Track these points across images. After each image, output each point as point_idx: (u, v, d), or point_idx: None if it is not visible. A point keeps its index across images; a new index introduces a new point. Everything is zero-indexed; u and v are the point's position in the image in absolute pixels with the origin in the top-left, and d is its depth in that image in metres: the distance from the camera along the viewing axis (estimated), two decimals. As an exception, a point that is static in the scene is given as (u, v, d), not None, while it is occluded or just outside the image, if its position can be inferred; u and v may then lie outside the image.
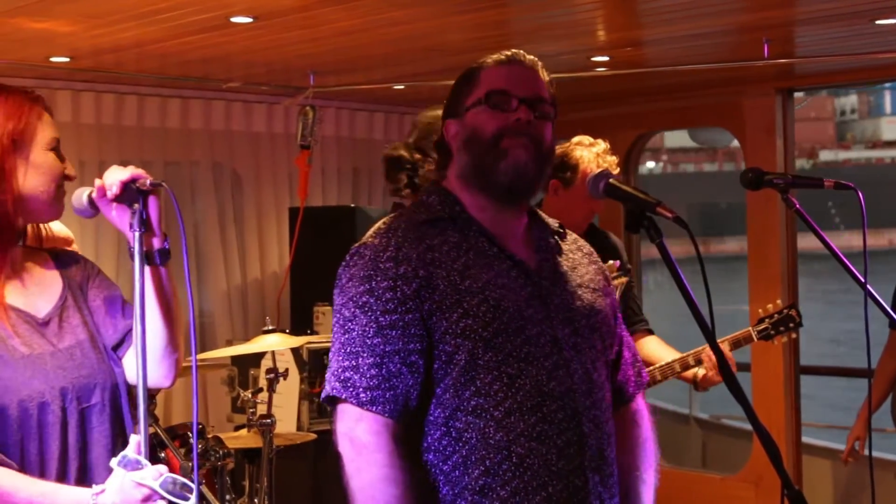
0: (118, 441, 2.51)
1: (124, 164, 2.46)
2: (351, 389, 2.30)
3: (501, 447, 2.32)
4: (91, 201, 2.43)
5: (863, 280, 2.88)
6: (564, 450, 2.36)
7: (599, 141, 4.27)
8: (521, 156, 2.44)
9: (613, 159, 4.23)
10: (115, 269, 5.69)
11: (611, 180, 2.45)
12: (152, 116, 5.98)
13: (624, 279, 4.19)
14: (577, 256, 2.61)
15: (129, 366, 2.54)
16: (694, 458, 8.50)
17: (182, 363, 2.61)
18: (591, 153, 4.22)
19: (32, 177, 2.48)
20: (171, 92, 6.00)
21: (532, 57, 2.55)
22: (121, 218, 2.42)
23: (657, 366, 4.23)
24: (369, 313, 2.33)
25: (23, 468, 2.35)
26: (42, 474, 2.37)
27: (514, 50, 2.54)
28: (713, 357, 4.08)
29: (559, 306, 2.45)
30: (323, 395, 2.38)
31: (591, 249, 2.70)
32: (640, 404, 2.69)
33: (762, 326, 4.27)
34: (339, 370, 2.33)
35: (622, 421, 2.60)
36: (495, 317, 2.34)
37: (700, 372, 4.20)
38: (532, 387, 2.35)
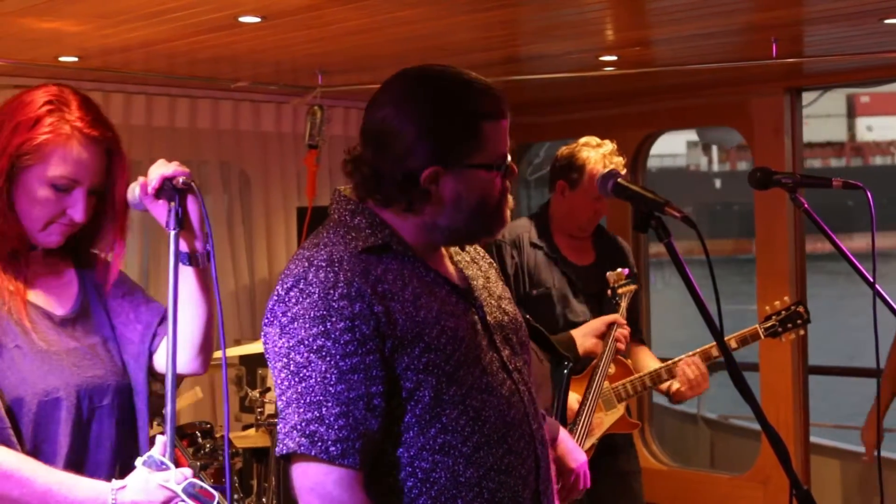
0: (125, 444, 2.51)
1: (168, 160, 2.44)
2: (319, 444, 2.12)
3: (472, 484, 2.22)
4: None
5: (871, 280, 2.88)
6: (527, 478, 2.32)
7: (606, 142, 4.27)
8: (509, 217, 2.41)
9: (620, 160, 4.23)
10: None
11: (619, 180, 2.45)
12: (161, 116, 5.98)
13: (633, 287, 4.19)
14: (482, 263, 2.54)
15: (163, 355, 2.53)
16: (702, 458, 8.50)
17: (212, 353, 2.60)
18: (598, 154, 4.22)
19: (24, 202, 2.40)
20: (180, 91, 6.01)
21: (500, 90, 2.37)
22: (164, 215, 2.39)
23: (628, 379, 4.23)
24: (328, 358, 2.14)
25: None
26: None
27: (489, 83, 2.34)
28: (686, 372, 4.14)
29: (495, 327, 2.37)
30: (282, 450, 2.17)
31: (485, 252, 2.61)
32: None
33: (769, 323, 4.27)
34: (302, 423, 2.14)
35: None
36: (456, 348, 2.23)
37: (675, 385, 4.21)
38: (496, 418, 2.26)
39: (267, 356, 2.25)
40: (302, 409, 2.15)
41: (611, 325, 4.07)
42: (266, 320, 2.24)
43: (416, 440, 2.21)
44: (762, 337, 4.26)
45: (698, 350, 4.21)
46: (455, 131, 2.27)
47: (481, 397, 2.25)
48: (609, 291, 4.16)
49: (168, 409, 2.25)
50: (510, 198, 2.40)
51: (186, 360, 2.52)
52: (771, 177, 3.06)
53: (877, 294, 2.90)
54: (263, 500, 4.67)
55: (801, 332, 4.34)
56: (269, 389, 4.82)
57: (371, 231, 2.28)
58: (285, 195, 6.60)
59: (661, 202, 2.31)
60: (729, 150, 53.88)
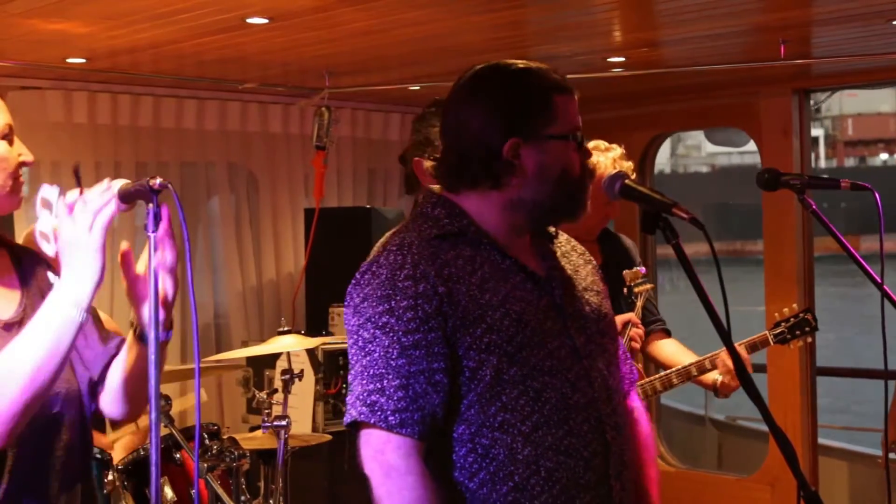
0: (79, 451, 2.43)
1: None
2: (379, 413, 2.25)
3: (530, 462, 2.29)
4: (120, 195, 2.27)
5: (879, 280, 2.87)
6: (591, 461, 2.36)
7: (615, 146, 4.25)
8: (588, 204, 2.48)
9: (630, 164, 4.21)
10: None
11: (626, 181, 2.44)
12: (168, 117, 5.99)
13: (649, 286, 4.18)
14: (574, 258, 2.60)
15: (106, 400, 2.45)
16: (710, 459, 8.49)
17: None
18: (607, 158, 4.21)
19: None
20: (187, 93, 6.01)
21: None
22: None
23: (674, 370, 4.22)
24: (391, 334, 2.27)
25: None
26: None
27: (557, 72, 2.45)
28: (727, 362, 4.08)
29: (572, 315, 2.43)
30: (347, 419, 2.31)
31: (584, 249, 2.68)
32: (636, 401, 2.70)
33: (778, 330, 4.26)
34: (364, 394, 2.27)
35: None
36: (518, 330, 2.31)
37: (720, 378, 4.18)
38: (558, 400, 2.33)
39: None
40: (365, 381, 2.29)
41: (626, 325, 4.05)
42: (345, 302, 2.39)
43: (476, 417, 2.30)
44: (771, 343, 4.26)
45: (743, 341, 4.18)
46: (529, 103, 2.38)
47: (543, 379, 2.32)
48: (625, 290, 4.15)
49: (152, 416, 2.19)
50: (589, 185, 2.47)
51: (109, 400, 2.38)
52: (779, 178, 3.05)
53: (885, 295, 2.89)
54: (271, 501, 4.67)
55: (809, 340, 4.33)
56: (276, 391, 4.82)
57: (449, 220, 2.40)
58: (293, 196, 6.60)
59: (669, 203, 2.31)
60: (836, 144, 52.38)
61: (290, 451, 4.65)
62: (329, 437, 5.09)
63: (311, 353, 5.51)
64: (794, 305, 4.34)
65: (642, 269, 4.20)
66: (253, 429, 5.41)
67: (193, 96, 6.05)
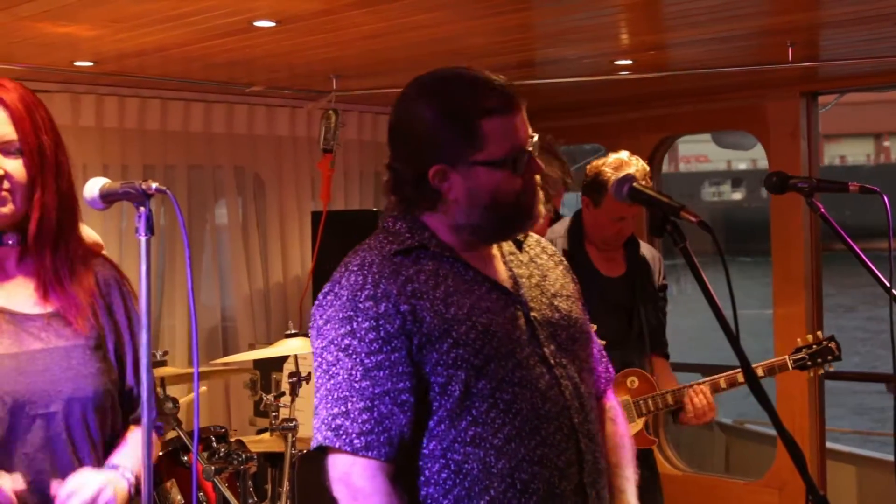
0: (78, 455, 2.43)
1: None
2: (344, 437, 2.24)
3: (505, 475, 2.27)
4: (102, 194, 2.34)
5: (888, 284, 2.86)
6: (565, 470, 2.34)
7: (634, 162, 4.18)
8: (541, 211, 2.44)
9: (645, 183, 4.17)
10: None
11: (634, 184, 2.43)
12: (175, 120, 5.99)
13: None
14: (544, 261, 2.56)
15: None
16: (717, 463, 8.47)
17: None
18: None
19: None
20: (195, 96, 6.02)
21: (513, 85, 2.39)
22: None
23: (651, 394, 4.23)
24: (353, 356, 2.26)
25: None
26: None
27: (500, 80, 2.36)
28: (694, 400, 4.12)
29: (541, 323, 2.40)
30: (314, 444, 2.31)
31: (555, 250, 2.64)
32: (612, 399, 2.66)
33: (799, 356, 4.23)
34: (329, 418, 2.27)
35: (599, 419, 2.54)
36: (485, 343, 2.28)
37: (682, 413, 4.21)
38: (529, 411, 2.30)
39: None
40: (329, 405, 2.28)
41: None
42: (310, 324, 2.40)
43: (448, 433, 2.28)
44: (790, 368, 4.23)
45: (762, 363, 4.19)
46: (456, 130, 2.33)
47: (513, 390, 2.29)
48: None
49: (144, 419, 2.21)
50: (540, 192, 2.41)
51: None
52: (787, 181, 3.05)
53: (894, 298, 2.88)
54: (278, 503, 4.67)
55: (832, 368, 4.29)
56: (283, 394, 4.82)
57: (410, 235, 2.37)
58: (300, 199, 6.61)
59: (677, 207, 2.30)
60: None
61: (298, 453, 4.65)
62: (336, 440, 5.08)
63: (318, 356, 5.50)
64: (819, 333, 4.31)
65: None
66: (260, 431, 5.41)
67: (201, 99, 6.06)
